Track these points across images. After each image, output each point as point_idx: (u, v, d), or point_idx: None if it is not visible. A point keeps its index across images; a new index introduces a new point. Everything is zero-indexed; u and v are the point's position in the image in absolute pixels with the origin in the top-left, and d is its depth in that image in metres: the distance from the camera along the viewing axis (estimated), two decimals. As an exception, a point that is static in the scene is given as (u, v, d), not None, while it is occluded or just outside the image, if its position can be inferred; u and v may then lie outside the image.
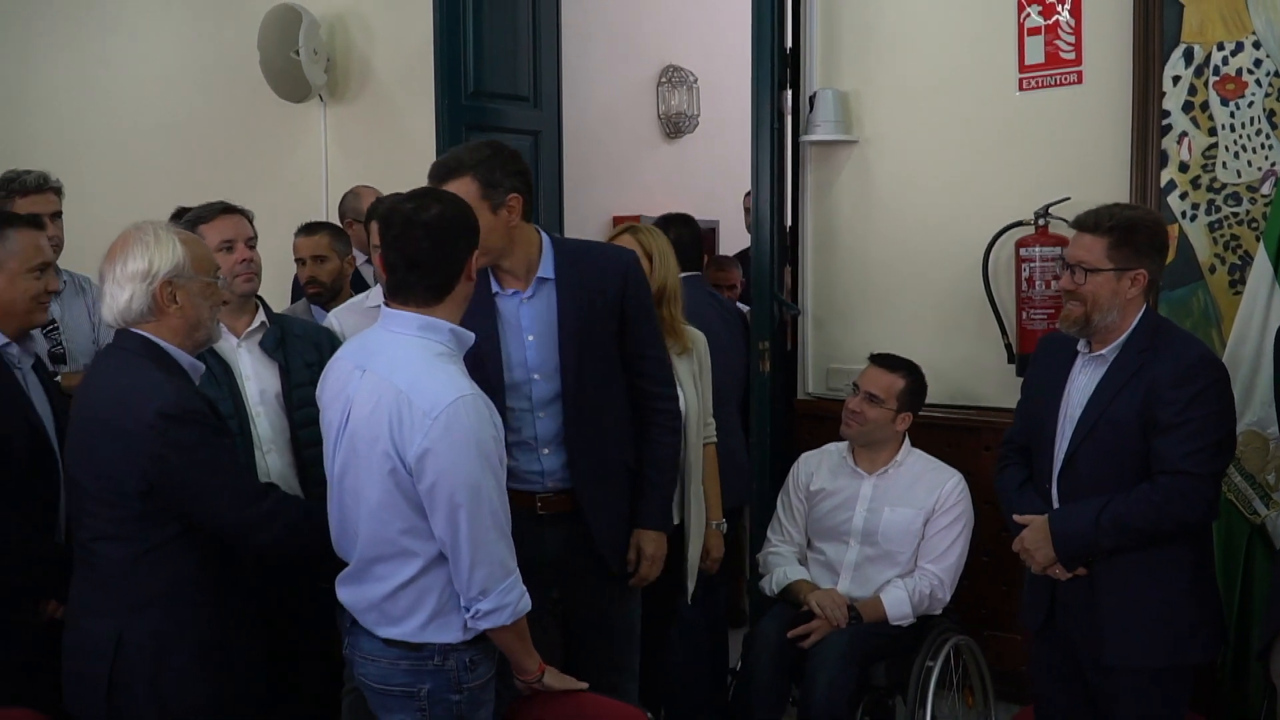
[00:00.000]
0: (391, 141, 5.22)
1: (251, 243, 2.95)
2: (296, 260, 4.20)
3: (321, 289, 4.08)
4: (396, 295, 2.27)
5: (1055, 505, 2.76)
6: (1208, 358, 2.69)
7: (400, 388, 2.17)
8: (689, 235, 4.03)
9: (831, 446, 3.61)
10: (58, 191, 3.51)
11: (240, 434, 2.75)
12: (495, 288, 2.72)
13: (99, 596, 2.31)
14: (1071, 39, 3.77)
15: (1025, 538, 2.73)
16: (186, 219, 2.93)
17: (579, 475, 2.74)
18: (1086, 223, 2.71)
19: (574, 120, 5.25)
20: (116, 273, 2.32)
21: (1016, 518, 2.78)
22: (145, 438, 2.22)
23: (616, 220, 6.04)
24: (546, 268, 2.72)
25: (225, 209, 2.96)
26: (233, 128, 5.71)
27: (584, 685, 2.47)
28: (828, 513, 3.48)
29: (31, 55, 6.55)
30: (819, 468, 3.55)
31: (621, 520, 2.83)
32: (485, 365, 2.63)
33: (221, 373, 2.78)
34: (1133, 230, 2.66)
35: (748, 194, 5.56)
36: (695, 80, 6.38)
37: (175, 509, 2.27)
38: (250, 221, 3.00)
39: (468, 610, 2.20)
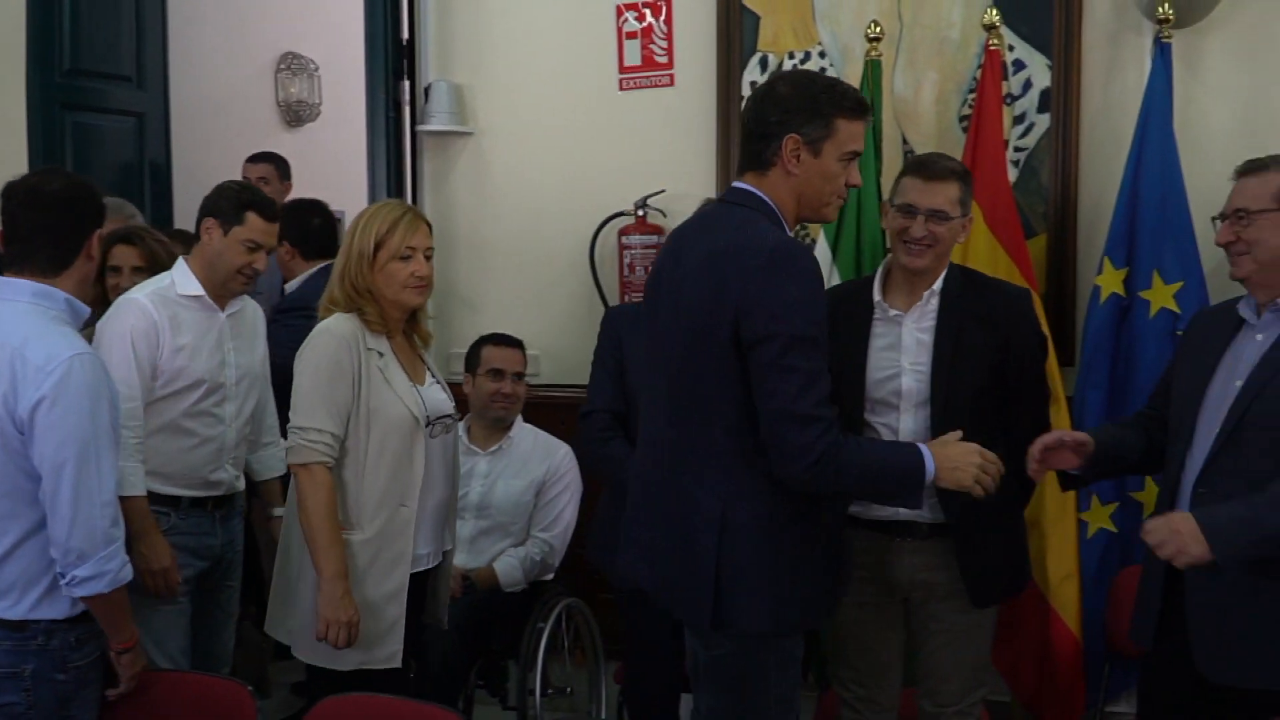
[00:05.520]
0: (-27, 120, 4.82)
1: None
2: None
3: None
4: (13, 264, 2.27)
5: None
6: None
7: (14, 345, 2.16)
8: (323, 223, 3.96)
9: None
10: None
11: None
12: None
13: None
14: (665, 44, 4.08)
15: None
16: None
17: None
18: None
19: (186, 104, 5.12)
20: None
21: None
22: None
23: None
24: None
25: None
26: None
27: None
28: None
29: None
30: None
31: None
32: None
33: None
34: None
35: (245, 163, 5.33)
36: (316, 69, 6.30)
37: None
38: None
39: (63, 577, 2.17)
